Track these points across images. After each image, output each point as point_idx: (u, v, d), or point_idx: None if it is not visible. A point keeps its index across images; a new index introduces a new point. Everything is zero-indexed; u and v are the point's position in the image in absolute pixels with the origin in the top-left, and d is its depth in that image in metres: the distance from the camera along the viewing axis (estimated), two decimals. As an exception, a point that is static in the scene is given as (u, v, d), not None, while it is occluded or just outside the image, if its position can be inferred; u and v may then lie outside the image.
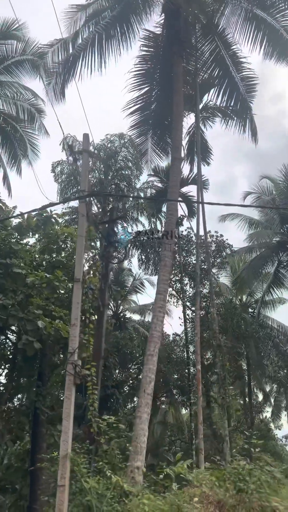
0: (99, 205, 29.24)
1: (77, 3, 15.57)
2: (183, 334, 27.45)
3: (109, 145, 28.18)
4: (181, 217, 24.94)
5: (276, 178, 28.17)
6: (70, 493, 7.61)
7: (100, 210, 28.95)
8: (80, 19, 15.42)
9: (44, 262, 17.60)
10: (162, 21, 14.87)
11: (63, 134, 9.15)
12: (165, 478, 7.40)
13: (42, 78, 16.95)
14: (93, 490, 7.49)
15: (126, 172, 28.85)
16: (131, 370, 28.72)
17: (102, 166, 29.12)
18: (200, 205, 16.84)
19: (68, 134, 28.30)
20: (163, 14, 14.81)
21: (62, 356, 16.59)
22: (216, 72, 14.97)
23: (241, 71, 14.57)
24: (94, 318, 13.23)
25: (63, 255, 17.65)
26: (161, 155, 16.71)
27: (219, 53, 14.64)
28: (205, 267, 26.56)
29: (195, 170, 23.06)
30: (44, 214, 17.53)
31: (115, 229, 12.26)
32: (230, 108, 15.40)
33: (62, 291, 16.15)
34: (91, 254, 14.84)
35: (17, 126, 20.26)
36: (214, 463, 10.82)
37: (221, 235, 26.30)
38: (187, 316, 27.10)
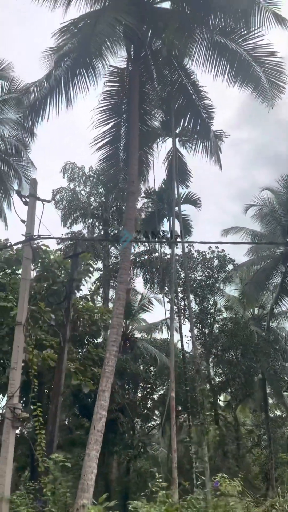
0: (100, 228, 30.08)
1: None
2: (192, 352, 27.39)
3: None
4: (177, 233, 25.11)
5: (276, 190, 27.89)
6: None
7: (102, 233, 29.76)
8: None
9: (41, 291, 18.34)
10: (128, 55, 15.22)
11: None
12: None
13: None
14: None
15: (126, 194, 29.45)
16: (145, 391, 28.87)
17: (102, 189, 29.91)
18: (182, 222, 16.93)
19: (68, 161, 29.41)
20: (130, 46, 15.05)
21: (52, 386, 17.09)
22: (181, 101, 15.24)
23: (202, 99, 14.77)
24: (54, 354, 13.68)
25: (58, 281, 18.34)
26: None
27: (181, 82, 14.90)
28: (209, 283, 26.66)
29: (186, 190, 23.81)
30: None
31: (78, 263, 12.65)
32: (196, 134, 15.59)
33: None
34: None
35: (10, 160, 21.31)
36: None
37: (223, 250, 26.20)
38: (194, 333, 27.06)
